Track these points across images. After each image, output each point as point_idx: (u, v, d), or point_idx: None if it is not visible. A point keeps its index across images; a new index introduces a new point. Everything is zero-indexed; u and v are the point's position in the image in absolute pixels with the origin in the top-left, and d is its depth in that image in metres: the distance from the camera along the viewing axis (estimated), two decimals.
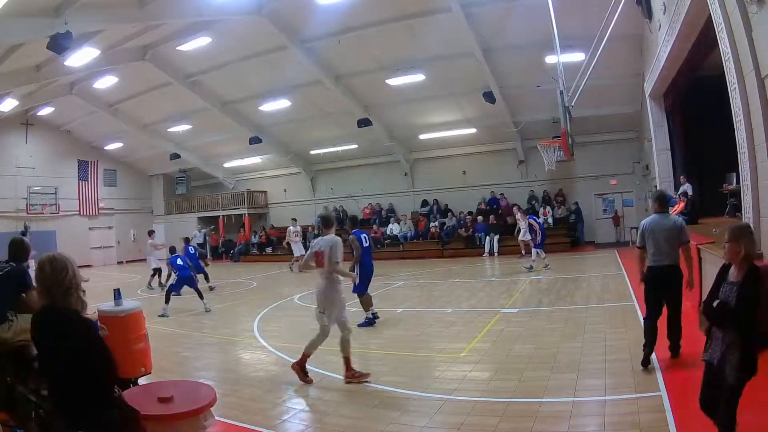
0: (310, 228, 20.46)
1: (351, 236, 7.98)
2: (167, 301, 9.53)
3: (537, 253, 13.10)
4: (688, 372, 4.79)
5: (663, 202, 5.12)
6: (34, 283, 3.79)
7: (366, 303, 7.70)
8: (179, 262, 10.00)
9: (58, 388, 2.48)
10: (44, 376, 2.56)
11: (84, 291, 2.57)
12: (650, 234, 4.90)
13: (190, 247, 12.00)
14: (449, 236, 19.35)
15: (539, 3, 10.93)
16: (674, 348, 4.97)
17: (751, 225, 5.06)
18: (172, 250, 10.92)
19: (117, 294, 5.02)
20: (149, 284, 13.45)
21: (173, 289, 9.77)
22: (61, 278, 2.45)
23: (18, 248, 3.93)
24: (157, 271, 13.46)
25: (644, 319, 4.99)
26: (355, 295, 7.59)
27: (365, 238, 8.05)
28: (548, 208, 19.20)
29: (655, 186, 13.36)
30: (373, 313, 7.66)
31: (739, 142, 5.85)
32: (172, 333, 7.97)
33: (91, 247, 24.28)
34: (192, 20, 13.69)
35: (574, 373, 4.77)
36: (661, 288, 4.84)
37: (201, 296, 9.78)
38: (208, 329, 8.23)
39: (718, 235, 7.16)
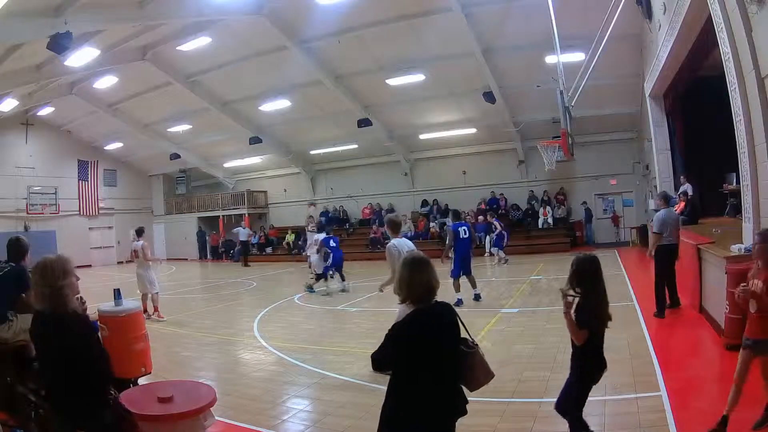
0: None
1: (447, 227, 9.57)
2: (324, 279, 11.04)
3: (497, 251, 14.77)
4: (688, 372, 4.80)
5: (667, 200, 7.26)
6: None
7: (456, 286, 8.95)
8: (332, 243, 11.10)
9: (54, 388, 2.49)
10: (42, 376, 2.57)
11: (68, 294, 2.55)
12: (667, 223, 6.86)
13: (331, 240, 11.97)
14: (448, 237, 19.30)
15: (539, 3, 10.92)
16: (674, 300, 7.07)
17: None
18: (324, 231, 12.05)
19: (117, 294, 5.02)
20: (311, 287, 11.45)
21: (327, 270, 11.07)
22: (51, 282, 2.47)
23: (15, 248, 3.93)
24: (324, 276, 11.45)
25: (657, 283, 6.88)
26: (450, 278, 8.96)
27: (464, 230, 9.36)
28: (548, 208, 19.19)
29: (655, 186, 13.36)
30: (459, 298, 8.71)
31: (739, 142, 5.85)
32: (172, 333, 7.97)
33: (91, 247, 24.27)
34: (192, 20, 13.67)
35: None
36: (671, 258, 6.96)
37: (343, 278, 11.17)
38: (208, 329, 8.23)
39: (719, 235, 7.19)
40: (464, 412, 2.45)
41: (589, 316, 2.89)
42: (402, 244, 5.13)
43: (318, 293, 11.12)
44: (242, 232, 21.27)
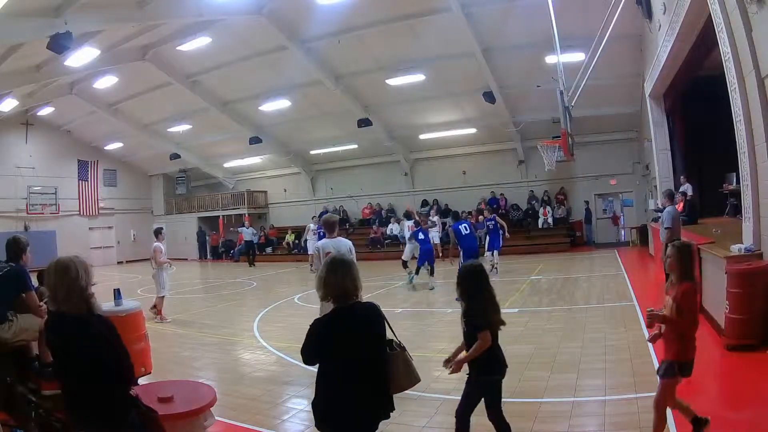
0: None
1: (449, 227, 9.68)
2: (417, 272, 11.28)
3: (493, 254, 13.06)
4: None
5: (672, 198, 7.68)
6: (32, 284, 3.81)
7: None
8: (421, 236, 10.98)
9: (77, 391, 2.43)
10: (59, 378, 2.52)
11: (93, 294, 2.54)
12: (676, 219, 7.15)
13: (420, 233, 11.57)
14: (450, 236, 19.30)
15: (539, 3, 10.91)
16: None
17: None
18: (417, 224, 12.14)
19: (117, 294, 5.03)
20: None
21: (420, 264, 11.20)
22: (69, 283, 2.42)
23: (13, 247, 3.92)
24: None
25: None
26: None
27: (464, 227, 9.76)
28: (548, 208, 19.19)
29: (655, 186, 13.36)
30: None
31: (739, 142, 5.85)
32: (172, 333, 7.97)
33: (91, 247, 24.24)
34: (192, 20, 13.67)
35: (574, 373, 4.76)
36: None
37: (432, 273, 11.01)
38: (208, 329, 8.23)
39: (719, 235, 7.19)
40: (386, 416, 2.50)
41: (482, 317, 2.94)
42: (327, 246, 5.13)
43: (411, 285, 11.32)
44: (246, 232, 21.37)
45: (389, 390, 2.51)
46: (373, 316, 2.54)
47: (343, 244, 5.22)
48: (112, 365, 2.40)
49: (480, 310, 2.96)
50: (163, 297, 9.08)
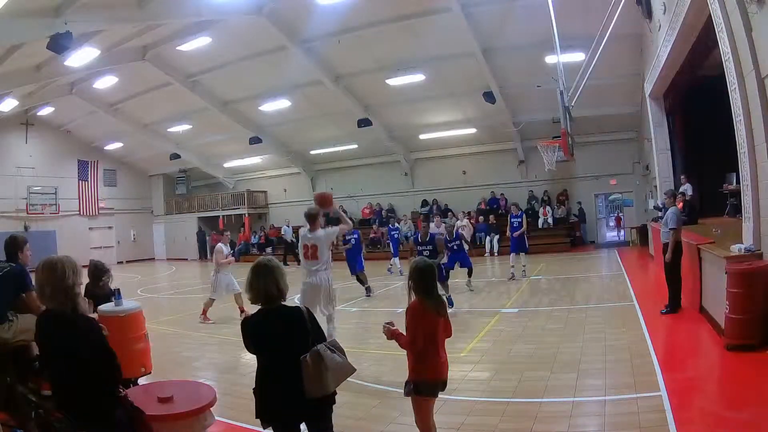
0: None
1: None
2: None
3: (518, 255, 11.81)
4: (688, 372, 4.80)
5: (675, 198, 7.55)
6: (32, 284, 3.81)
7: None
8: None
9: (63, 389, 2.47)
10: (48, 377, 2.56)
11: (79, 293, 2.56)
12: (680, 219, 6.98)
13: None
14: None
15: (539, 3, 10.92)
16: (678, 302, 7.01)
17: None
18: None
19: (117, 294, 5.02)
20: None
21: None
22: (62, 281, 2.45)
23: (11, 245, 3.91)
24: None
25: (675, 278, 6.97)
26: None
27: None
28: (548, 208, 19.20)
29: (655, 186, 13.36)
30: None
31: (739, 142, 5.84)
32: (172, 333, 7.96)
33: (91, 247, 24.23)
34: (192, 20, 13.67)
35: (574, 373, 4.76)
36: (681, 254, 6.95)
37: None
38: (208, 329, 8.22)
39: (719, 235, 7.19)
40: (302, 413, 2.61)
41: None
42: (304, 238, 5.26)
43: None
44: (288, 231, 21.46)
45: (303, 392, 2.54)
46: (296, 320, 2.65)
47: (320, 236, 5.25)
48: (96, 364, 2.42)
49: None
50: (212, 300, 8.84)
